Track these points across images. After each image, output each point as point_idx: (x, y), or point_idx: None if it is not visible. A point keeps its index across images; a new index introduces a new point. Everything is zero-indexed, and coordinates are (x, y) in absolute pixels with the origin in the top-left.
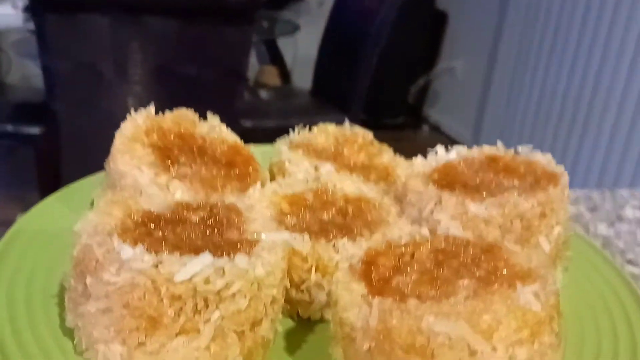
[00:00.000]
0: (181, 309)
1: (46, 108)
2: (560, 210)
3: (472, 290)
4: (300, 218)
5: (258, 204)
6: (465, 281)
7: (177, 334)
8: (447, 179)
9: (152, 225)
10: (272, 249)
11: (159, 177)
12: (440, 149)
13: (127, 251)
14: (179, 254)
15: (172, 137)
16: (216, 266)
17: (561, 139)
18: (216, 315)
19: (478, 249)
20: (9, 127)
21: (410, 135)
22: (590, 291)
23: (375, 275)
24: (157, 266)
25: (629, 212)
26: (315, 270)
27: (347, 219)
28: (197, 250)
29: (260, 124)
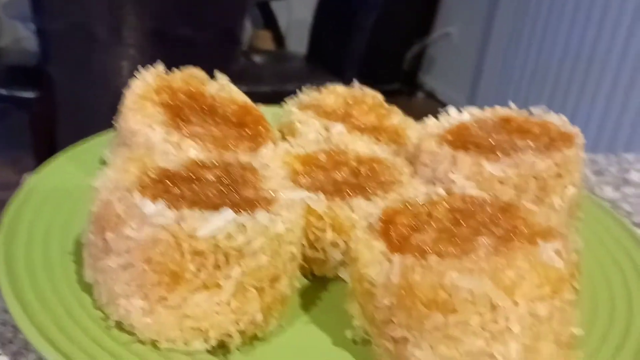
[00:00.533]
0: (203, 264)
1: (40, 71)
2: (575, 171)
3: (493, 248)
4: (314, 178)
5: (271, 163)
6: (485, 239)
7: (198, 289)
8: (460, 140)
9: (170, 182)
10: (291, 206)
11: (171, 136)
12: (452, 109)
13: (149, 207)
14: (199, 210)
15: (182, 96)
16: (238, 222)
17: (557, 105)
18: (237, 271)
19: (496, 208)
20: (3, 91)
21: (405, 102)
22: (602, 250)
23: (394, 234)
24: (179, 222)
25: (634, 176)
26: (331, 229)
27: (361, 179)
28: (215, 207)
29: (255, 89)
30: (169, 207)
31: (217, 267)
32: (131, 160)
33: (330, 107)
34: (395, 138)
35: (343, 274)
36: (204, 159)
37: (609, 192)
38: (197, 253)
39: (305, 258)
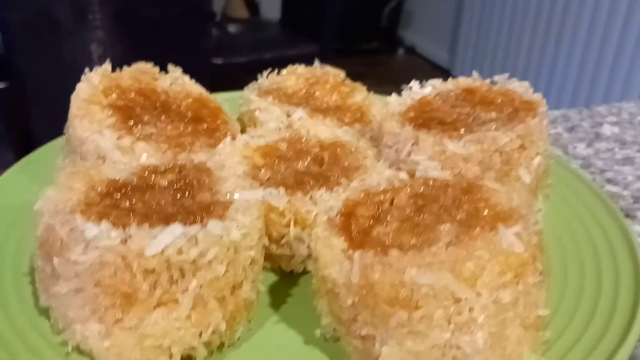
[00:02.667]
0: (156, 281)
1: (7, 62)
2: (539, 140)
3: (454, 236)
4: (275, 170)
5: (230, 159)
6: (447, 226)
7: (155, 307)
8: (423, 117)
9: (118, 195)
10: (246, 209)
11: (123, 140)
12: (415, 84)
13: (91, 229)
14: (147, 225)
15: (132, 95)
16: (188, 235)
17: (535, 54)
18: (194, 284)
19: (458, 190)
20: None
21: (385, 60)
22: (571, 216)
23: (355, 227)
24: (126, 241)
25: (607, 130)
26: (294, 225)
27: (324, 166)
28: (168, 218)
29: (232, 60)
30: (115, 226)
31: (172, 282)
32: (75, 174)
33: (292, 90)
34: (359, 117)
35: (311, 267)
36: (156, 163)
37: (581, 149)
38: (148, 271)
39: (271, 255)
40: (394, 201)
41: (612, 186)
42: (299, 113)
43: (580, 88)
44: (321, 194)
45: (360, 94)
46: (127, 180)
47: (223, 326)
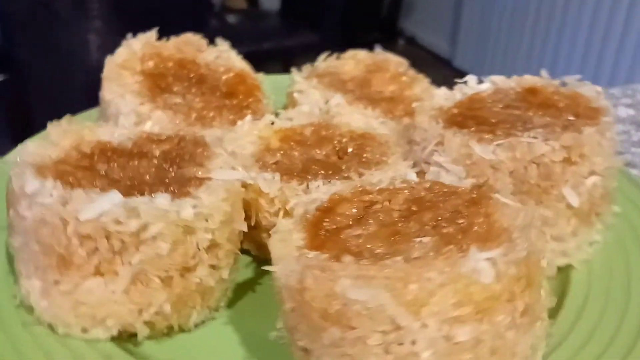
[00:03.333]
0: (96, 249)
1: (7, 54)
2: (595, 156)
3: (427, 251)
4: (286, 155)
5: (244, 137)
6: (425, 239)
7: (91, 275)
8: (464, 115)
9: (99, 158)
10: (213, 189)
11: (142, 106)
12: (471, 78)
13: (32, 185)
14: (92, 190)
15: (170, 64)
16: (128, 206)
17: (538, 45)
18: (136, 258)
19: (462, 201)
20: None
21: (386, 50)
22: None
23: (326, 225)
24: (64, 203)
25: (622, 112)
26: (284, 215)
27: (341, 157)
28: (138, 187)
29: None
30: (72, 188)
31: (113, 253)
32: (66, 132)
33: (348, 75)
34: (412, 111)
35: None
36: (159, 132)
37: None
38: (84, 237)
39: (261, 243)
40: (386, 203)
41: (630, 169)
42: (337, 99)
43: (585, 72)
44: (318, 185)
45: (420, 85)
46: (118, 146)
47: (168, 308)
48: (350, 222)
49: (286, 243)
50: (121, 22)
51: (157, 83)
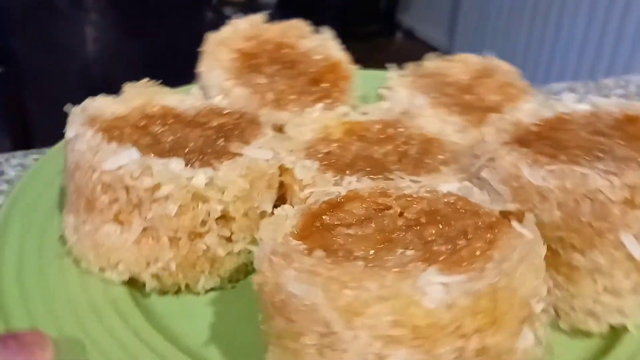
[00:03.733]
0: (116, 199)
1: (2, 47)
2: None
3: (400, 264)
4: (340, 147)
5: (307, 124)
6: (409, 252)
7: (110, 221)
8: (541, 134)
9: (155, 121)
10: (236, 165)
11: (226, 82)
12: (568, 97)
13: (74, 131)
14: (125, 146)
15: (268, 47)
16: (144, 164)
17: (536, 38)
18: (149, 214)
19: (476, 222)
20: None
21: (383, 44)
22: None
23: (328, 219)
24: (96, 153)
25: None
26: None
27: (400, 159)
28: (177, 151)
29: None
30: (103, 139)
31: (132, 205)
32: (140, 93)
33: (453, 79)
34: None
35: None
36: (225, 106)
37: None
38: (106, 185)
39: None
40: (397, 209)
41: None
42: (420, 100)
43: (583, 64)
44: (351, 180)
45: (527, 98)
46: (180, 113)
47: (173, 267)
48: (353, 221)
49: (276, 227)
50: (118, 15)
51: (249, 62)
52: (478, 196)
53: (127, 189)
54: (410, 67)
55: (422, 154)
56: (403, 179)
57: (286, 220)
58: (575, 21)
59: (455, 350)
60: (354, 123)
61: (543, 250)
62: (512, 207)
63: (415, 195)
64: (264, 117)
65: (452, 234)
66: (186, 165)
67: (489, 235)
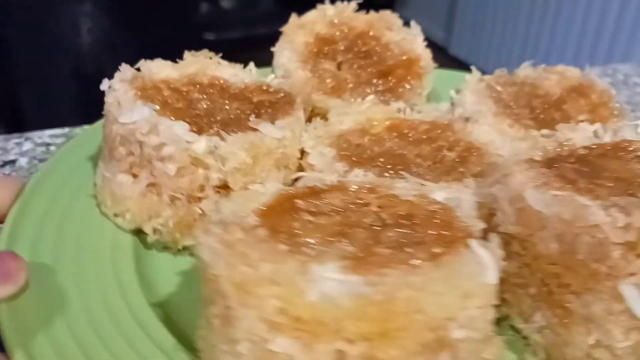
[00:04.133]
0: (131, 152)
1: None
2: None
3: (332, 255)
4: (373, 141)
5: (352, 114)
6: (349, 247)
7: (125, 171)
8: (584, 158)
9: (196, 88)
10: (242, 138)
11: (292, 64)
12: (630, 128)
13: (105, 83)
14: (150, 105)
15: (349, 35)
16: (152, 122)
17: (535, 29)
18: (155, 171)
19: (437, 233)
20: None
21: None
22: None
23: (299, 204)
24: (117, 106)
25: None
26: None
27: (431, 162)
28: (201, 119)
29: (224, 36)
30: (135, 97)
31: (144, 160)
32: (197, 62)
33: (544, 90)
34: None
35: None
36: (276, 86)
37: None
38: (122, 137)
39: None
40: (375, 208)
41: None
42: (486, 107)
43: (582, 52)
44: (357, 174)
45: (616, 122)
46: (228, 85)
47: (171, 224)
48: (322, 210)
49: (246, 201)
50: (112, 5)
51: (322, 48)
52: (466, 209)
53: (140, 144)
54: (499, 73)
55: (459, 162)
56: (417, 182)
57: (259, 196)
58: (573, 15)
59: (335, 351)
60: (401, 120)
61: (492, 277)
62: (481, 225)
63: (401, 197)
64: (309, 100)
65: (406, 241)
66: (200, 131)
67: (438, 248)
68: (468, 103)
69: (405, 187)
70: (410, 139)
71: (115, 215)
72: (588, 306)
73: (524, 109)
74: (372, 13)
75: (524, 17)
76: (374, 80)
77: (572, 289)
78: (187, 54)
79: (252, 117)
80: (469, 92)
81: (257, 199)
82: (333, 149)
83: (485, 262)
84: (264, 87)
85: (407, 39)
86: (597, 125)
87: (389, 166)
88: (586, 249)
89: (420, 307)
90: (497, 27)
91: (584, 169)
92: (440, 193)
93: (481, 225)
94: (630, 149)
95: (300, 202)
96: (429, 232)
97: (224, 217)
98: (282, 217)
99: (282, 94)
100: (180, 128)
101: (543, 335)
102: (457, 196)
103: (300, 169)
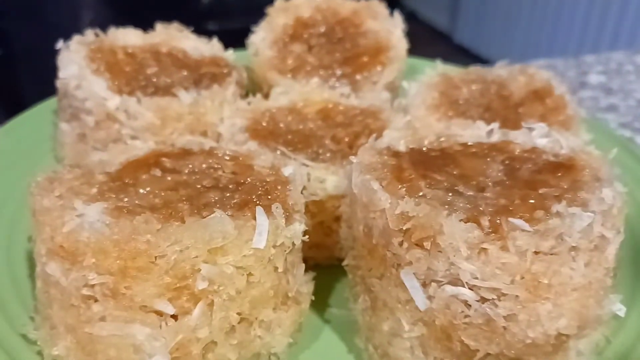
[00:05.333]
0: (70, 104)
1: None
2: None
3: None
4: (294, 119)
5: (292, 95)
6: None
7: (66, 121)
8: (440, 154)
9: (155, 56)
10: (155, 101)
11: (262, 42)
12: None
13: (60, 43)
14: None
15: (331, 20)
16: (79, 78)
17: (538, 14)
18: (83, 122)
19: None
20: None
21: None
22: None
23: (149, 161)
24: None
25: (592, 79)
26: None
27: (333, 142)
28: (142, 82)
29: (227, 26)
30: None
31: (75, 111)
32: (164, 33)
33: (509, 92)
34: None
35: None
36: (224, 59)
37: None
38: (62, 91)
39: None
40: (211, 171)
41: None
42: (418, 99)
43: (587, 36)
44: (252, 145)
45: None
46: (185, 55)
47: None
48: (175, 169)
49: (116, 153)
50: None
51: (299, 31)
52: (298, 185)
53: (73, 97)
54: (472, 70)
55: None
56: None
57: (134, 150)
58: (578, 2)
59: (83, 277)
60: (335, 104)
61: (259, 242)
62: (301, 200)
63: (255, 168)
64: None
65: (215, 200)
66: (130, 92)
67: (231, 210)
68: (410, 95)
69: (264, 160)
70: (332, 122)
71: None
72: (385, 292)
73: (477, 108)
74: (361, 1)
75: (528, 4)
76: (335, 66)
77: (373, 273)
78: (158, 25)
79: (189, 85)
80: (418, 84)
81: (130, 153)
82: (246, 121)
83: (260, 228)
84: (217, 61)
85: (386, 29)
86: (494, 125)
87: (292, 144)
88: (377, 234)
89: (162, 252)
90: (501, 14)
91: (434, 162)
92: (289, 168)
93: (301, 200)
94: (503, 150)
95: (165, 160)
96: (243, 196)
97: (90, 163)
98: (138, 169)
99: (226, 69)
100: (99, 85)
101: (362, 318)
102: (304, 173)
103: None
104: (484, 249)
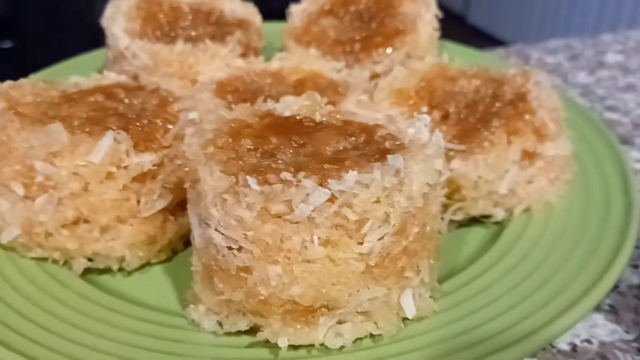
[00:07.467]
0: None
1: (12, 21)
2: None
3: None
4: (269, 84)
5: (286, 62)
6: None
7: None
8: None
9: (192, 10)
10: (149, 46)
11: (298, 12)
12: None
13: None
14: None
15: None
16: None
17: None
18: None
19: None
20: None
21: None
22: None
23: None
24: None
25: (610, 58)
26: None
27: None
28: (168, 27)
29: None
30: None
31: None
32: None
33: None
34: None
35: None
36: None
37: (582, 77)
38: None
39: None
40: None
41: (611, 113)
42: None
43: (605, 15)
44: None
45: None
46: (215, 12)
47: None
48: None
49: (87, 81)
50: None
51: (337, 6)
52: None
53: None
54: (477, 69)
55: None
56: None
57: (102, 80)
58: None
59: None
60: (317, 75)
61: None
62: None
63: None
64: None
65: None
66: (151, 39)
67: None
68: (386, 80)
69: (184, 104)
70: (301, 90)
71: None
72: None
73: (445, 103)
74: None
75: None
76: (352, 43)
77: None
78: None
79: (206, 36)
80: (396, 70)
81: (100, 81)
82: (224, 76)
83: (99, 146)
84: (241, 23)
85: (417, 12)
86: (330, 107)
87: (244, 102)
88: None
89: (16, 146)
90: None
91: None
92: (194, 113)
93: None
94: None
95: (118, 90)
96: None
97: (66, 83)
98: (89, 94)
99: (231, 29)
100: (117, 27)
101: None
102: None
103: None
104: (225, 199)
